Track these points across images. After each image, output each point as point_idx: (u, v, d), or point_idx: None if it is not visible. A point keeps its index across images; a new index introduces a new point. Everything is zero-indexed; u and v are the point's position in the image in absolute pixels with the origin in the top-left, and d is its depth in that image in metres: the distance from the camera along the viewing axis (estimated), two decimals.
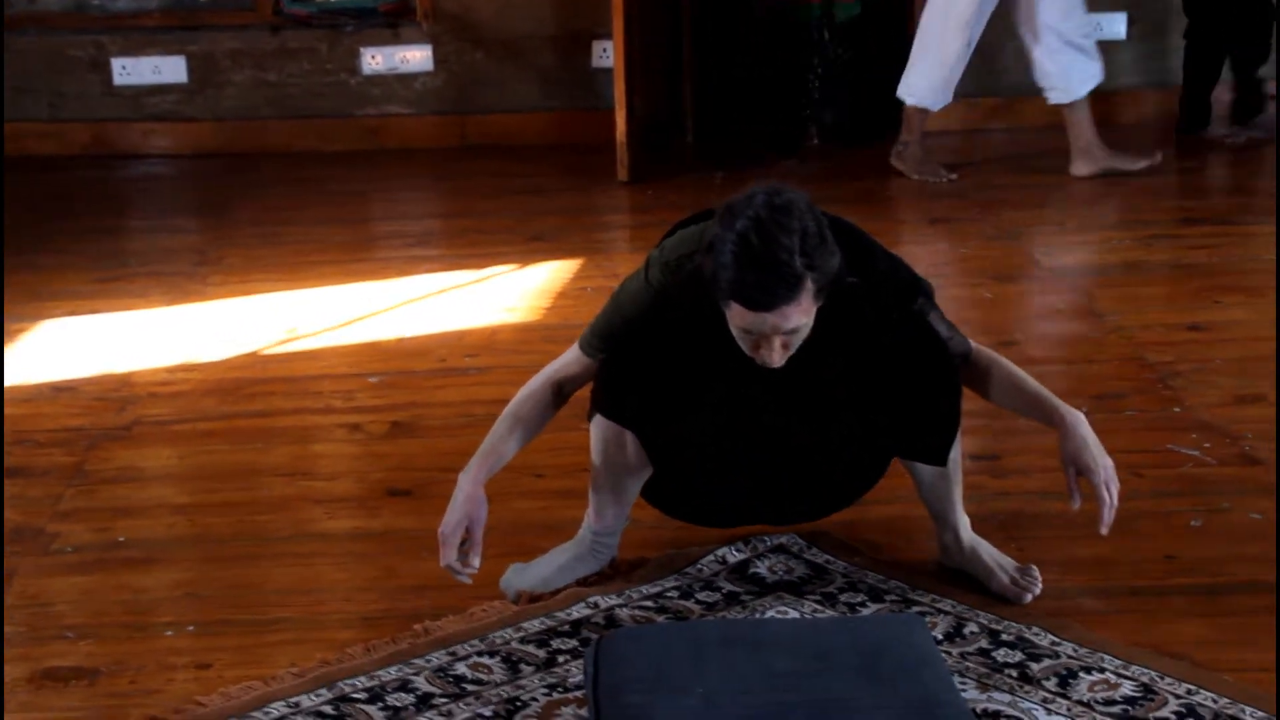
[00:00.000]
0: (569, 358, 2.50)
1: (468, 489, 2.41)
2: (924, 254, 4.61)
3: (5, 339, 3.97)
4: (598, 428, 2.46)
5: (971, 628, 2.38)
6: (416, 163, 6.01)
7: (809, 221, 2.18)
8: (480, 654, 2.37)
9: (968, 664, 2.28)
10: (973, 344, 2.49)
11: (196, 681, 2.37)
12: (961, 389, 2.45)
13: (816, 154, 6.02)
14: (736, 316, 2.22)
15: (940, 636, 2.35)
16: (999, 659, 2.29)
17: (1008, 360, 2.50)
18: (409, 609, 2.56)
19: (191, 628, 2.54)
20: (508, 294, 4.33)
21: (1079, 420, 2.38)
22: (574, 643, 2.39)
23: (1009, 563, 2.51)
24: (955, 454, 2.47)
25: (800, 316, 2.20)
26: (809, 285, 2.18)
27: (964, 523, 2.54)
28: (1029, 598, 2.44)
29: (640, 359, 2.39)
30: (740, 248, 2.15)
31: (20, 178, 5.78)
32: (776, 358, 2.25)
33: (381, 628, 2.50)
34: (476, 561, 2.39)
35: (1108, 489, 2.35)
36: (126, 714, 2.29)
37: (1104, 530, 2.35)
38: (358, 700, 2.24)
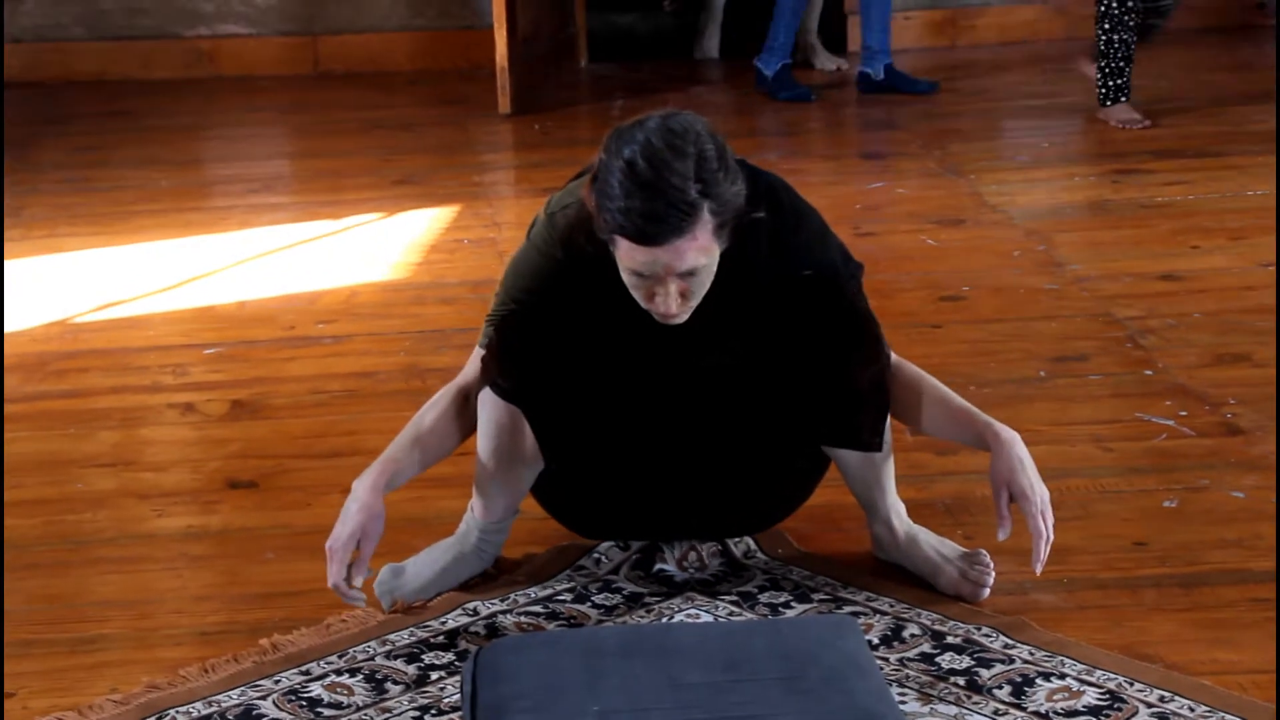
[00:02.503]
0: (471, 359, 2.51)
1: (363, 497, 2.41)
2: (854, 196, 4.65)
3: None
4: (486, 407, 2.46)
5: (912, 629, 2.41)
6: (259, 93, 5.96)
7: (707, 145, 2.20)
8: (339, 672, 2.36)
9: (907, 671, 2.31)
10: (894, 355, 2.53)
11: None
12: (890, 364, 2.48)
13: (730, 75, 6.04)
14: (625, 256, 2.24)
15: (876, 640, 2.38)
16: (944, 665, 2.33)
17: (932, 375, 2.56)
18: (253, 621, 2.55)
19: None
20: (370, 248, 4.31)
21: (1015, 439, 2.41)
22: (450, 656, 2.39)
23: (954, 551, 2.54)
24: (886, 434, 2.50)
25: (697, 254, 2.22)
26: (706, 216, 2.20)
27: (898, 509, 2.58)
28: (985, 592, 2.48)
29: (534, 329, 2.40)
30: (627, 175, 2.17)
31: None
32: (674, 305, 2.26)
33: (221, 644, 2.48)
34: (359, 581, 2.41)
35: (1043, 519, 2.38)
36: None
37: (1037, 569, 2.40)
38: None
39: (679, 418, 2.49)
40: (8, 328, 3.77)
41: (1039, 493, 2.39)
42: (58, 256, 4.25)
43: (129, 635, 2.53)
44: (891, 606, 2.48)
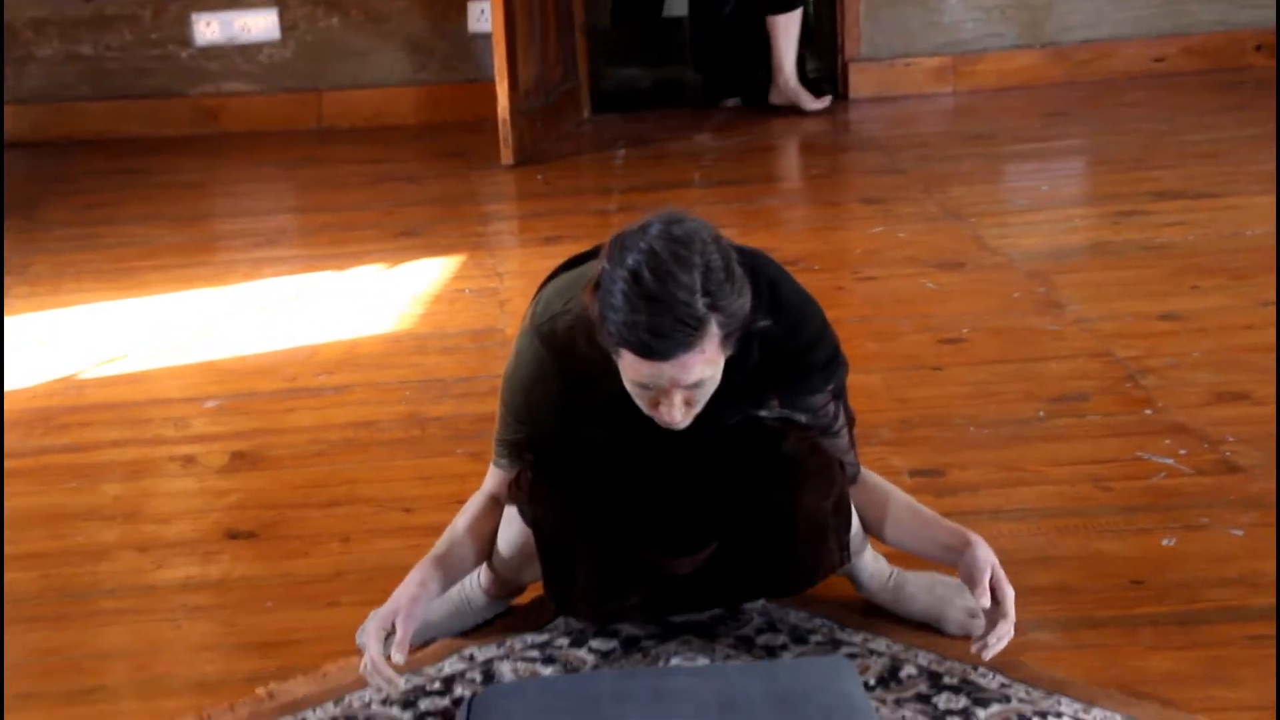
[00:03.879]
0: (489, 476, 2.51)
1: (410, 584, 2.39)
2: (856, 241, 4.66)
3: None
4: (513, 524, 2.47)
5: (909, 670, 2.41)
6: (264, 149, 5.99)
7: (713, 254, 2.14)
8: (334, 719, 2.36)
9: (904, 713, 2.30)
10: (862, 467, 2.54)
11: None
12: (855, 478, 2.51)
13: (731, 122, 6.08)
14: (629, 368, 2.19)
15: (872, 682, 2.38)
16: (940, 706, 2.32)
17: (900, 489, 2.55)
18: (251, 669, 2.55)
19: None
20: (372, 299, 4.33)
21: (984, 543, 2.40)
22: (445, 702, 2.39)
23: (950, 584, 2.54)
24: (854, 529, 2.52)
25: (704, 367, 2.17)
26: (713, 330, 2.14)
27: (875, 562, 2.58)
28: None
29: (545, 455, 2.41)
30: (632, 286, 2.10)
31: None
32: (679, 415, 2.22)
33: (219, 693, 2.48)
34: (398, 657, 2.32)
35: (1004, 620, 2.33)
36: None
37: (986, 656, 2.34)
38: None
39: (684, 490, 2.45)
40: (11, 385, 3.79)
41: (1007, 592, 2.34)
42: (62, 312, 4.28)
43: (128, 685, 2.54)
44: (889, 647, 2.48)
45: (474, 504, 2.52)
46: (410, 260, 4.64)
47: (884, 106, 6.20)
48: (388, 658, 2.31)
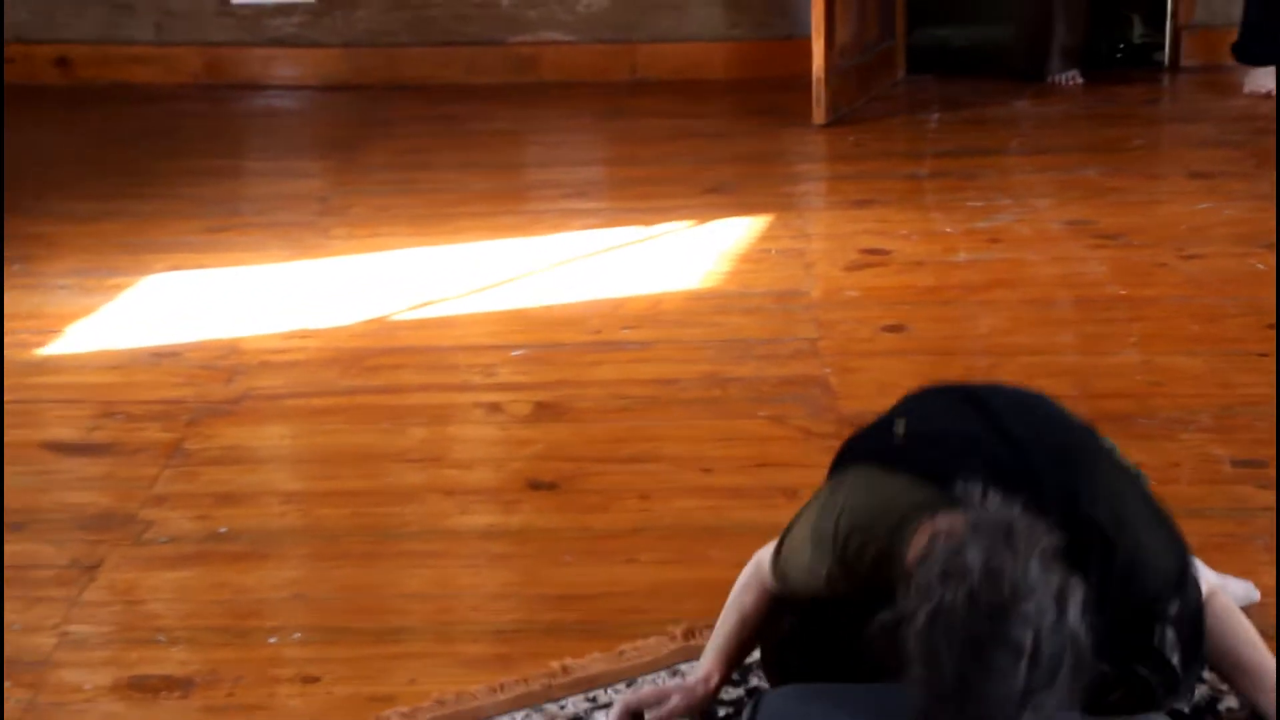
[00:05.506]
0: (759, 578, 2.28)
1: (701, 675, 2.26)
2: (1180, 216, 4.49)
3: (101, 295, 4.10)
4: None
5: (1228, 703, 2.25)
6: (577, 99, 6.05)
7: (1045, 622, 1.78)
8: None
9: None
10: (1207, 590, 2.17)
11: (302, 697, 2.43)
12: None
13: (1053, 88, 5.91)
14: None
15: (1187, 711, 2.24)
16: None
17: (1235, 614, 2.21)
18: (549, 621, 2.59)
19: (298, 635, 2.60)
20: (678, 256, 4.33)
21: None
22: (739, 692, 2.35)
23: None
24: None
25: None
26: None
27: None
28: None
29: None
30: (930, 671, 1.81)
31: (121, 109, 5.97)
32: None
33: (516, 642, 2.53)
34: None
35: None
36: None
37: None
38: None
39: None
40: (327, 323, 3.91)
41: None
42: (379, 255, 4.39)
43: (430, 629, 2.60)
44: (1207, 676, 2.32)
45: (755, 587, 2.28)
46: (717, 218, 4.63)
47: (1217, 75, 5.95)
48: None
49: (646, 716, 2.23)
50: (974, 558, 1.81)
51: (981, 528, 1.87)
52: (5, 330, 3.82)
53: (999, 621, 1.78)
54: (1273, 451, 3.04)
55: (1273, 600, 2.53)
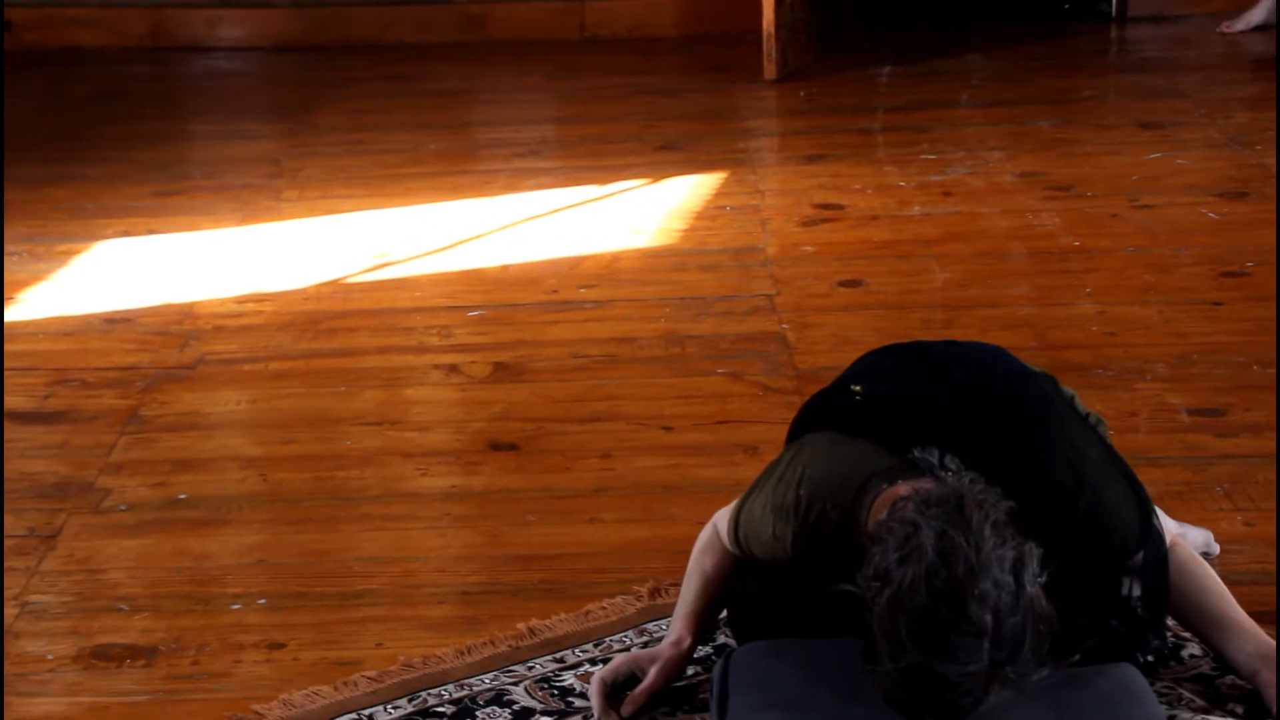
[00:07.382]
0: (719, 540, 2.29)
1: (672, 638, 2.26)
2: (1132, 166, 4.50)
3: (52, 261, 4.07)
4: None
5: (1191, 649, 2.24)
6: (528, 58, 6.02)
7: (1004, 597, 1.80)
8: (594, 661, 2.35)
9: (1181, 692, 2.20)
10: (1169, 540, 2.19)
11: (268, 664, 2.42)
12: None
13: (1002, 40, 5.91)
14: None
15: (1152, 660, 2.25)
16: (1223, 689, 2.22)
17: (1199, 564, 2.23)
18: (513, 583, 2.58)
19: (262, 600, 2.59)
20: (632, 214, 4.32)
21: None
22: (707, 650, 2.35)
23: None
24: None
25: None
26: (1004, 693, 1.85)
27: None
28: None
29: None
30: (894, 659, 1.82)
31: (66, 73, 5.90)
32: None
33: (481, 604, 2.52)
34: (630, 710, 2.22)
35: None
36: (188, 700, 2.34)
37: None
38: (442, 713, 2.25)
39: None
40: (281, 286, 3.88)
41: None
42: (332, 218, 4.36)
43: (394, 591, 2.59)
44: (1170, 625, 2.35)
45: (716, 549, 2.28)
46: (670, 175, 4.62)
47: (1164, 26, 5.97)
48: (613, 709, 2.21)
49: (628, 697, 2.22)
50: (928, 538, 1.82)
51: (933, 503, 1.87)
52: None
53: (958, 605, 1.79)
54: (1228, 400, 3.07)
55: (1234, 550, 2.55)
